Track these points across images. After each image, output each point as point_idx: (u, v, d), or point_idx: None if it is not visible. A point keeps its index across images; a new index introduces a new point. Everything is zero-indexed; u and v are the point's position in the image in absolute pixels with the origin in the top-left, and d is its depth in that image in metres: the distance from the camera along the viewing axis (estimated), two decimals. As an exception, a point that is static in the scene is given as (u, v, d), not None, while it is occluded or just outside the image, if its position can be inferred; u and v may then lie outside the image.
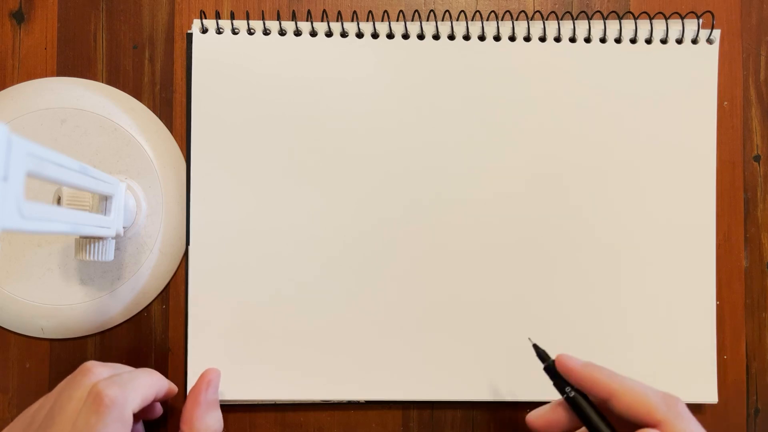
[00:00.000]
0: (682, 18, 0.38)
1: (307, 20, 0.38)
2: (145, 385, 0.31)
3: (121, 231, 0.34)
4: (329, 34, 0.38)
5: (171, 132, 0.38)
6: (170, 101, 0.38)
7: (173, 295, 0.38)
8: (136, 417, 0.31)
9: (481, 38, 0.38)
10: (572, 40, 0.38)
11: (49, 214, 0.23)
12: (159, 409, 0.36)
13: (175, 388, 0.34)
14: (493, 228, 0.38)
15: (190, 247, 0.37)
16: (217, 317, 0.37)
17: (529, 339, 0.35)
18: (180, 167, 0.38)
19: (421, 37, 0.38)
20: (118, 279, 0.37)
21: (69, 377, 0.31)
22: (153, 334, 0.38)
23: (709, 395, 0.38)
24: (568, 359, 0.31)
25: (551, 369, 0.31)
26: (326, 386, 0.37)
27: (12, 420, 0.37)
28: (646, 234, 0.38)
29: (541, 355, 0.32)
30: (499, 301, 0.37)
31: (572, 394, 0.30)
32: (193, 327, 0.37)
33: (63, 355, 0.38)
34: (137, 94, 0.38)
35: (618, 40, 0.38)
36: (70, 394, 0.29)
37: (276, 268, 0.37)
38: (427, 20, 0.38)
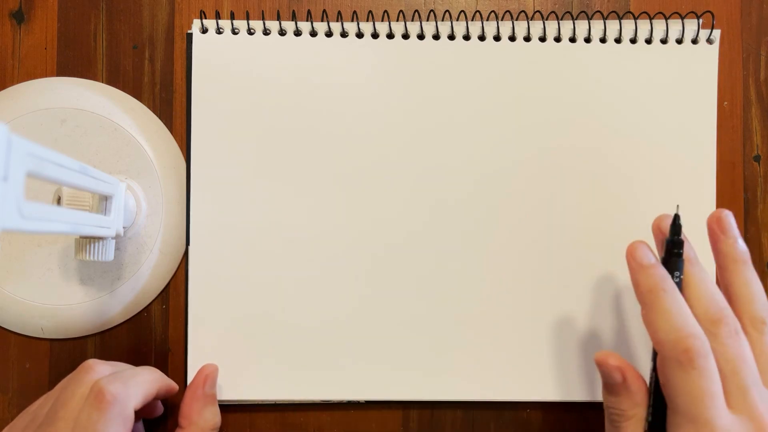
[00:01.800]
0: (682, 18, 0.38)
1: (307, 20, 0.38)
2: (147, 381, 0.31)
3: (121, 231, 0.34)
4: (329, 34, 0.38)
5: (171, 132, 0.38)
6: (170, 101, 0.38)
7: (173, 295, 0.38)
8: (137, 415, 0.31)
9: (481, 38, 0.38)
10: (572, 40, 0.38)
11: (49, 214, 0.23)
12: (160, 408, 0.36)
13: (175, 386, 0.35)
14: (494, 228, 0.38)
15: (190, 247, 0.37)
16: (217, 317, 0.37)
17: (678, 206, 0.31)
18: (180, 167, 0.38)
19: (421, 37, 0.38)
20: (118, 279, 0.37)
21: (70, 375, 0.31)
22: (153, 334, 0.38)
23: (709, 395, 0.38)
24: (642, 255, 0.30)
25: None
26: (326, 386, 0.37)
27: (11, 420, 0.37)
28: (647, 234, 0.38)
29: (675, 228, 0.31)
30: (500, 302, 0.37)
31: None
32: (193, 327, 0.37)
33: (63, 355, 0.38)
34: (137, 94, 0.38)
35: (618, 40, 0.38)
36: (73, 390, 0.29)
37: (276, 268, 0.37)
38: (427, 20, 0.38)
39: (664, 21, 0.38)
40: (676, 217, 0.31)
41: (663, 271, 0.29)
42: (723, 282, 0.31)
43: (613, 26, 0.38)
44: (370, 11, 0.38)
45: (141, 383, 0.30)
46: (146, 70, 0.39)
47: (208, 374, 0.35)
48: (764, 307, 0.29)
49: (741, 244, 0.30)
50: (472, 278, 0.37)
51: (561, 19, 0.38)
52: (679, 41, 0.38)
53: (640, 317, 0.37)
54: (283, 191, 0.37)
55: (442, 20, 0.38)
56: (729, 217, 0.31)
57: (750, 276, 0.30)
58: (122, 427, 0.28)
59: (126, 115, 0.38)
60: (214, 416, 0.34)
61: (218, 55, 0.37)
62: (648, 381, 0.30)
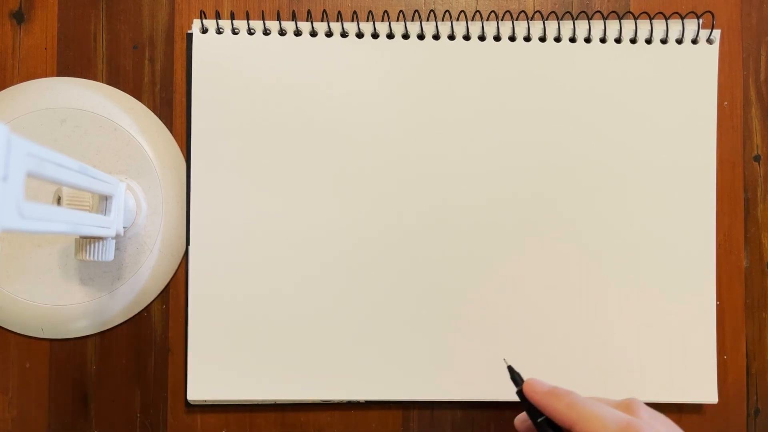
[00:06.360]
0: (682, 18, 0.38)
1: (307, 20, 0.38)
2: None
3: (121, 231, 0.34)
4: (329, 34, 0.38)
5: (171, 132, 0.38)
6: (170, 101, 0.38)
7: (173, 295, 0.38)
8: None
9: (481, 38, 0.38)
10: (572, 40, 0.38)
11: (49, 214, 0.23)
12: None
13: None
14: (494, 229, 0.38)
15: (190, 247, 0.37)
16: (217, 317, 0.37)
17: (504, 360, 0.33)
18: (180, 167, 0.38)
19: (421, 37, 0.38)
20: (118, 279, 0.37)
21: None
22: (153, 334, 0.38)
23: (709, 395, 0.38)
24: (533, 386, 0.30)
25: (521, 394, 0.31)
26: (326, 386, 0.37)
27: (11, 420, 0.37)
28: (647, 233, 0.38)
29: (515, 378, 0.32)
30: (499, 302, 0.37)
31: (540, 420, 0.30)
32: (193, 327, 0.37)
33: (63, 355, 0.38)
34: (137, 94, 0.38)
35: (618, 40, 0.38)
36: None
37: (276, 268, 0.37)
38: (427, 20, 0.38)
39: (664, 21, 0.38)
40: (510, 369, 0.32)
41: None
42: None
43: (613, 26, 0.38)
44: (370, 11, 0.38)
45: None
46: (146, 70, 0.38)
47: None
48: None
49: None
50: (472, 279, 0.37)
51: (561, 19, 0.38)
52: (679, 41, 0.38)
53: (638, 316, 0.37)
54: (283, 190, 0.37)
55: (442, 20, 0.38)
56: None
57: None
58: None
59: (126, 115, 0.38)
60: None
61: (218, 55, 0.37)
62: None
